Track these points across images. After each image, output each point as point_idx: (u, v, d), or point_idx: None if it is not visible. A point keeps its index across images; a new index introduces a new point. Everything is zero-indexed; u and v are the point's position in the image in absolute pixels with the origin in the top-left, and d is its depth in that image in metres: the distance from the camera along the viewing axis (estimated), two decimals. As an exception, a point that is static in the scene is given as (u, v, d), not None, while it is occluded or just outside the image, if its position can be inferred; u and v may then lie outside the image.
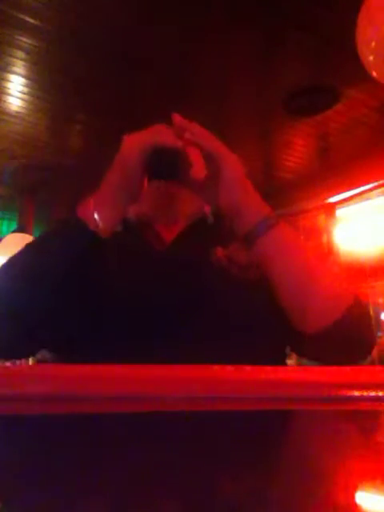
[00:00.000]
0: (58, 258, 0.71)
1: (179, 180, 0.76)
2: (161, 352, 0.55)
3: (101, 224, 0.72)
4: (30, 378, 0.39)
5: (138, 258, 0.83)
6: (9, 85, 2.67)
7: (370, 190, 3.63)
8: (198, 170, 0.72)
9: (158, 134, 0.73)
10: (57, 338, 0.74)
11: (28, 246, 0.77)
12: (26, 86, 2.68)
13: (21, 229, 3.83)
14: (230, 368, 0.43)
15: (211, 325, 0.73)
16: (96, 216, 0.72)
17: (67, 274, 0.70)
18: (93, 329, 0.72)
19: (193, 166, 0.72)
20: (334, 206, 3.92)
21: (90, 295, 0.72)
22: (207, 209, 0.95)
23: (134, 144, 0.72)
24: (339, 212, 3.93)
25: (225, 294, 0.77)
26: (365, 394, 0.41)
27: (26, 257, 0.75)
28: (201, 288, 0.77)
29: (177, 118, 0.74)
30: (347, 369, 0.50)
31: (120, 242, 0.79)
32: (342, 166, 3.60)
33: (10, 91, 2.73)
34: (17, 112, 2.94)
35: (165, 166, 0.74)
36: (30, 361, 2.25)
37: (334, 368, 0.49)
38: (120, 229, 0.85)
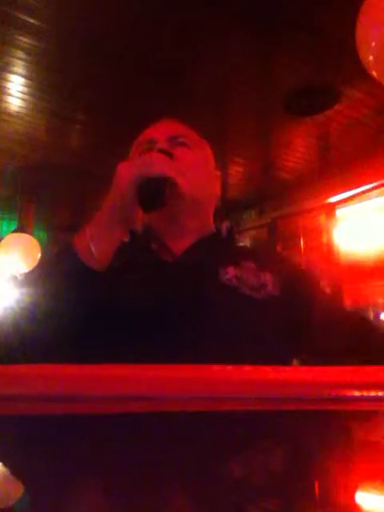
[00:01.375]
0: (58, 286, 0.72)
1: (166, 208, 0.77)
2: (167, 360, 0.55)
3: (96, 254, 0.72)
4: (30, 378, 0.39)
5: (146, 269, 0.83)
6: (9, 85, 2.67)
7: (370, 190, 3.62)
8: (184, 187, 0.77)
9: (146, 164, 0.75)
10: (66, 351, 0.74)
11: (36, 268, 0.80)
12: (26, 86, 2.68)
13: (21, 229, 3.82)
14: (230, 368, 0.43)
15: (216, 340, 0.74)
16: (92, 248, 0.73)
17: (68, 297, 0.71)
18: (99, 341, 0.71)
19: (178, 186, 0.76)
20: (333, 205, 3.92)
21: (96, 308, 0.72)
22: (224, 224, 0.96)
23: (125, 175, 0.75)
24: (339, 212, 3.93)
25: (232, 311, 0.78)
26: (365, 394, 0.41)
27: (35, 277, 0.78)
28: (208, 303, 0.78)
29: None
30: (347, 369, 0.50)
31: (127, 252, 0.79)
32: (342, 166, 3.60)
33: (10, 91, 2.73)
34: (17, 112, 2.94)
35: (150, 198, 0.75)
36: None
37: (334, 368, 0.49)
38: (127, 239, 0.86)
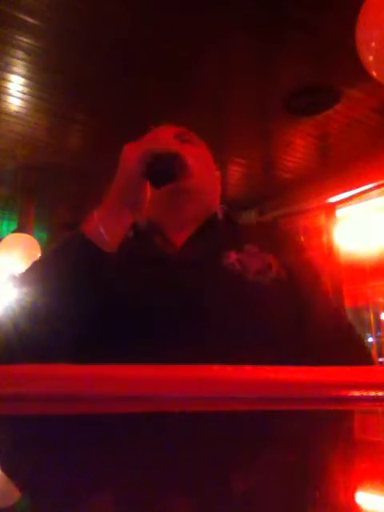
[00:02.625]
0: (66, 276, 0.71)
1: (176, 182, 0.77)
2: (173, 355, 0.55)
3: (106, 237, 0.72)
4: (30, 378, 0.39)
5: (149, 263, 0.82)
6: (9, 85, 2.67)
7: (370, 189, 3.62)
8: (193, 166, 0.76)
9: (154, 141, 0.75)
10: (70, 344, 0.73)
11: (36, 264, 0.79)
12: (26, 86, 2.68)
13: (21, 229, 3.82)
14: (230, 368, 0.43)
15: (224, 329, 0.72)
16: (101, 229, 0.72)
17: (76, 287, 0.70)
18: (104, 336, 0.71)
19: (188, 166, 0.76)
20: (334, 205, 3.92)
21: (101, 303, 0.71)
22: (219, 208, 0.95)
23: (132, 153, 0.74)
24: (339, 212, 3.93)
25: (238, 299, 0.76)
26: (365, 394, 0.41)
27: (35, 274, 0.76)
28: (214, 292, 0.77)
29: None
30: (347, 369, 0.50)
31: (130, 247, 0.78)
32: (342, 166, 3.60)
33: (10, 91, 2.73)
34: (17, 112, 2.94)
35: (160, 172, 0.75)
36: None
37: (334, 368, 0.49)
38: (130, 235, 0.85)
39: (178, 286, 0.76)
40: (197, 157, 0.89)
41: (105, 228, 0.72)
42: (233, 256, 0.81)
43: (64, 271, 0.71)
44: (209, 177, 0.93)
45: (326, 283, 0.96)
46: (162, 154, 0.74)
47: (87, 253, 0.71)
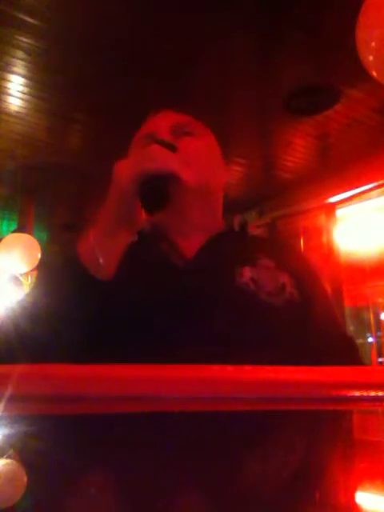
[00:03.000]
0: (62, 303, 0.68)
1: (171, 204, 0.72)
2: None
3: (103, 261, 0.68)
4: (30, 377, 0.39)
5: (155, 272, 0.78)
6: (9, 85, 2.67)
7: (370, 189, 3.63)
8: (188, 180, 0.72)
9: (146, 160, 0.69)
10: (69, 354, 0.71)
11: (33, 291, 0.76)
12: (26, 86, 2.68)
13: (21, 229, 3.82)
14: (230, 368, 0.43)
15: (234, 349, 0.68)
16: (97, 253, 0.68)
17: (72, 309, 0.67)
18: (104, 340, 0.68)
19: (182, 181, 0.71)
20: (334, 205, 3.92)
21: (103, 309, 0.68)
22: (237, 219, 0.91)
23: (124, 174, 0.69)
24: (339, 212, 3.93)
25: (251, 320, 0.73)
26: (365, 394, 0.41)
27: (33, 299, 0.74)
28: (226, 312, 0.73)
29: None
30: (347, 369, 0.50)
31: (135, 252, 0.73)
32: (342, 166, 3.60)
33: (10, 91, 2.73)
34: (17, 112, 2.94)
35: (153, 197, 0.70)
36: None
37: (334, 368, 0.49)
38: (135, 239, 0.79)
39: (183, 302, 0.72)
40: (196, 153, 0.84)
41: (101, 251, 0.68)
42: (247, 273, 0.77)
43: (61, 294, 0.69)
44: (212, 174, 0.87)
45: (332, 300, 0.94)
46: (155, 175, 0.68)
47: (82, 283, 0.67)
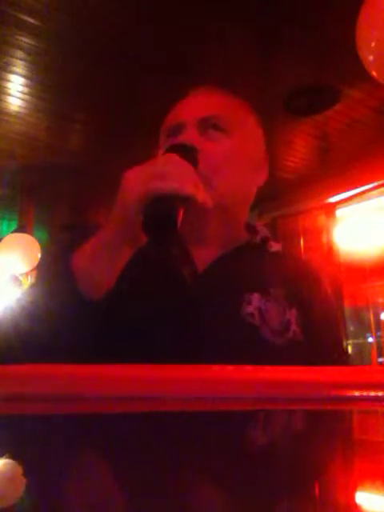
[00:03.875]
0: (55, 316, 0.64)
1: (176, 234, 0.62)
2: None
3: (97, 278, 0.62)
4: (30, 377, 0.39)
5: (162, 284, 0.73)
6: (9, 85, 2.67)
7: (370, 190, 3.63)
8: (206, 204, 0.64)
9: (157, 177, 0.60)
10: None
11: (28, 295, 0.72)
12: (26, 86, 2.68)
13: (21, 229, 3.82)
14: (230, 368, 0.43)
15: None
16: (93, 270, 0.62)
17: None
18: (104, 341, 0.65)
19: (199, 203, 0.62)
20: (334, 205, 3.92)
21: (102, 312, 0.64)
22: (260, 234, 0.83)
23: (131, 189, 0.61)
24: (339, 212, 3.93)
25: (249, 354, 0.68)
26: (365, 394, 0.41)
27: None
28: (224, 340, 0.70)
29: None
30: (347, 369, 0.50)
31: (144, 255, 0.67)
32: (342, 166, 3.60)
33: (10, 91, 2.73)
34: (17, 112, 2.94)
35: (157, 223, 0.60)
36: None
37: (334, 368, 0.49)
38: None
39: (186, 317, 0.70)
40: (223, 159, 0.75)
41: (97, 269, 0.62)
42: (255, 303, 0.72)
43: (52, 308, 0.65)
44: (238, 180, 0.78)
45: (338, 327, 0.89)
46: (167, 196, 0.59)
47: (73, 301, 0.62)
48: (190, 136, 0.74)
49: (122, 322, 0.68)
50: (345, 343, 3.75)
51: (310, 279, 0.86)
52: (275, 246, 0.84)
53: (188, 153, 0.65)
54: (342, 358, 0.84)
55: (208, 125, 0.77)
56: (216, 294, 0.73)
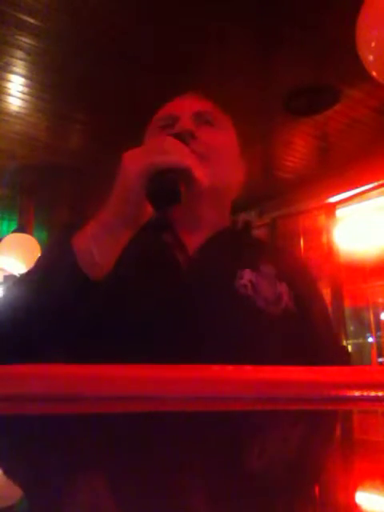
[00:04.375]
0: (55, 299, 0.65)
1: (180, 204, 0.66)
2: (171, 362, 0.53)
3: (98, 259, 0.63)
4: (30, 377, 0.39)
5: (157, 268, 0.76)
6: (9, 85, 2.67)
7: (370, 190, 3.63)
8: (201, 179, 0.66)
9: (158, 152, 0.64)
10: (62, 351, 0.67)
11: (22, 281, 0.72)
12: (26, 86, 2.68)
13: (21, 229, 3.83)
14: (230, 368, 0.43)
15: (226, 353, 0.70)
16: (94, 251, 0.63)
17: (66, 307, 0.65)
18: (103, 337, 0.67)
19: (195, 178, 0.66)
20: (334, 205, 3.92)
21: (95, 317, 0.65)
22: (241, 218, 0.89)
23: (133, 165, 0.63)
24: (339, 212, 3.93)
25: (245, 325, 0.73)
26: (365, 394, 0.41)
27: (21, 292, 0.70)
28: (221, 314, 0.72)
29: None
30: (347, 369, 0.50)
31: (138, 243, 0.69)
32: (342, 166, 3.60)
33: (10, 91, 2.73)
34: (17, 112, 2.94)
35: (163, 193, 0.64)
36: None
37: (334, 368, 0.49)
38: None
39: (183, 300, 0.72)
40: (216, 147, 0.80)
41: (98, 248, 0.63)
42: (247, 276, 0.76)
43: (52, 290, 0.65)
44: (228, 171, 0.83)
45: (328, 311, 0.94)
46: (167, 170, 0.62)
47: (75, 282, 0.63)
48: (185, 124, 0.79)
49: (121, 306, 0.69)
50: (344, 342, 3.75)
51: (295, 261, 0.94)
52: (256, 234, 0.91)
53: (182, 138, 0.69)
54: (337, 340, 0.87)
55: (202, 120, 0.82)
56: (209, 273, 0.76)
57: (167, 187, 0.64)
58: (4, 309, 0.70)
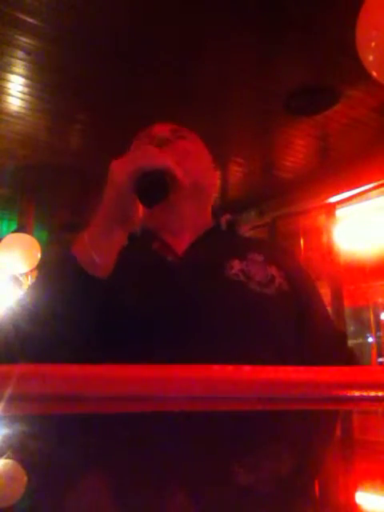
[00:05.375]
0: (60, 302, 0.69)
1: (168, 199, 0.73)
2: (174, 362, 0.54)
3: (98, 260, 0.68)
4: (30, 377, 0.39)
5: (149, 270, 0.80)
6: (9, 85, 2.67)
7: (370, 189, 3.62)
8: (182, 178, 0.74)
9: (142, 158, 0.71)
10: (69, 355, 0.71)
11: (29, 290, 0.76)
12: (26, 86, 2.68)
13: (21, 229, 3.82)
14: (230, 368, 0.43)
15: (227, 339, 0.72)
16: (93, 254, 0.68)
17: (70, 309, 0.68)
18: (104, 340, 0.69)
19: (178, 179, 0.73)
20: (334, 205, 3.92)
21: (101, 311, 0.69)
22: (224, 217, 0.94)
23: (121, 170, 0.70)
24: (339, 212, 3.93)
25: (241, 308, 0.76)
26: (365, 394, 0.41)
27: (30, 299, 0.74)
28: (217, 302, 0.76)
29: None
30: (347, 369, 0.50)
31: (128, 254, 0.74)
32: (342, 166, 3.60)
33: (10, 91, 2.73)
34: (17, 112, 2.94)
35: (151, 191, 0.71)
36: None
37: (334, 368, 0.49)
38: (125, 242, 0.80)
39: (179, 295, 0.75)
40: (192, 153, 0.88)
41: (96, 251, 0.68)
42: (236, 265, 0.80)
43: (58, 298, 0.69)
44: (204, 174, 0.91)
45: (321, 295, 0.98)
46: (152, 170, 0.70)
47: (79, 282, 0.68)
48: (164, 136, 0.88)
49: (121, 309, 0.72)
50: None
51: (283, 249, 1.00)
52: (241, 231, 0.97)
53: (160, 142, 0.78)
54: (330, 320, 0.92)
55: (177, 135, 0.91)
56: (200, 267, 0.80)
57: (154, 185, 0.71)
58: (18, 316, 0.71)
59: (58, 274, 0.73)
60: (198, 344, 0.70)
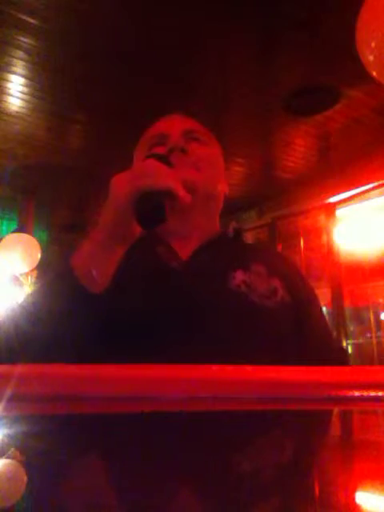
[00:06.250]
0: (58, 316, 0.69)
1: (165, 222, 0.70)
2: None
3: (97, 277, 0.68)
4: (30, 377, 0.39)
5: (153, 275, 0.79)
6: (9, 85, 2.67)
7: (370, 189, 3.63)
8: (184, 198, 0.71)
9: (143, 178, 0.69)
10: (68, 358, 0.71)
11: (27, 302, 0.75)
12: (26, 85, 2.68)
13: (21, 229, 3.83)
14: (230, 368, 0.43)
15: (228, 349, 0.71)
16: (92, 271, 0.68)
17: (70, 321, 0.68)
18: (105, 343, 0.68)
19: (179, 197, 0.70)
20: (334, 205, 3.92)
21: (100, 327, 0.68)
22: (231, 225, 0.93)
23: (120, 189, 0.69)
24: (339, 212, 3.93)
25: (243, 320, 0.75)
26: (365, 394, 0.41)
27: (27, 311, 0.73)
28: (218, 312, 0.75)
29: None
30: (347, 369, 0.50)
31: (131, 257, 0.73)
32: (342, 166, 3.60)
33: (10, 91, 2.73)
34: (17, 112, 2.94)
35: (149, 214, 0.69)
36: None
37: (334, 368, 0.49)
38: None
39: (180, 301, 0.75)
40: (204, 160, 0.86)
41: (94, 264, 0.68)
42: (239, 276, 0.80)
43: (56, 307, 0.69)
44: (216, 182, 0.90)
45: (321, 307, 0.98)
46: (152, 192, 0.68)
47: (75, 296, 0.68)
48: (176, 141, 0.86)
49: (124, 311, 0.72)
50: (344, 343, 3.75)
51: (286, 260, 0.99)
52: (247, 239, 0.94)
53: (163, 159, 0.74)
54: (330, 332, 0.92)
55: (190, 137, 0.89)
56: (203, 274, 0.80)
57: (153, 208, 0.69)
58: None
59: (55, 285, 0.72)
60: (197, 351, 0.70)
